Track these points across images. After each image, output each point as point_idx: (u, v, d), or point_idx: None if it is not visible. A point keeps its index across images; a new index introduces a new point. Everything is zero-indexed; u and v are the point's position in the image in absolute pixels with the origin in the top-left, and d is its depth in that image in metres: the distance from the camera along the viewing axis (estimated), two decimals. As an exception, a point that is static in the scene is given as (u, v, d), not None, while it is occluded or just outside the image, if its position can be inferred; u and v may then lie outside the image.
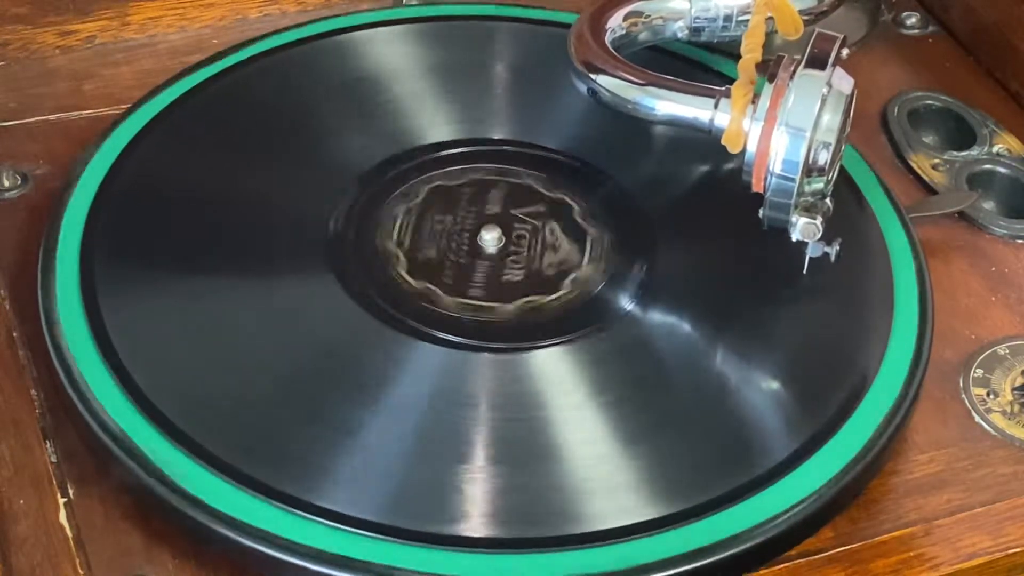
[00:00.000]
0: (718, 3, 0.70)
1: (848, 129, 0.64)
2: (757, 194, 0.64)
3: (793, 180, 0.62)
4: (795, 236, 0.64)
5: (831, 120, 0.62)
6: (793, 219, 0.63)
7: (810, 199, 0.63)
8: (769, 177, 0.62)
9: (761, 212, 0.64)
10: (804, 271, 0.65)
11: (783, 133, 0.62)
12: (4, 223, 0.70)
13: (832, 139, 0.62)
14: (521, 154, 0.73)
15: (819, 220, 0.63)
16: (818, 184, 0.63)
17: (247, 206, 0.69)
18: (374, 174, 0.71)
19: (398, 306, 0.65)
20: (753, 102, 0.63)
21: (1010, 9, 0.81)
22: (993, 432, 0.65)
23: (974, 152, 0.77)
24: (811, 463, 0.60)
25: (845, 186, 0.70)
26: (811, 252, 0.65)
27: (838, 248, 0.64)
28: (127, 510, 0.59)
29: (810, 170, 0.62)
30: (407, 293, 0.66)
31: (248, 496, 0.57)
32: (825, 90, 0.62)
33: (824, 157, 0.62)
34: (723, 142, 0.64)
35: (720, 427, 0.62)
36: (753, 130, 0.63)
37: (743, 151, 0.63)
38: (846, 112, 0.63)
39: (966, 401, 0.66)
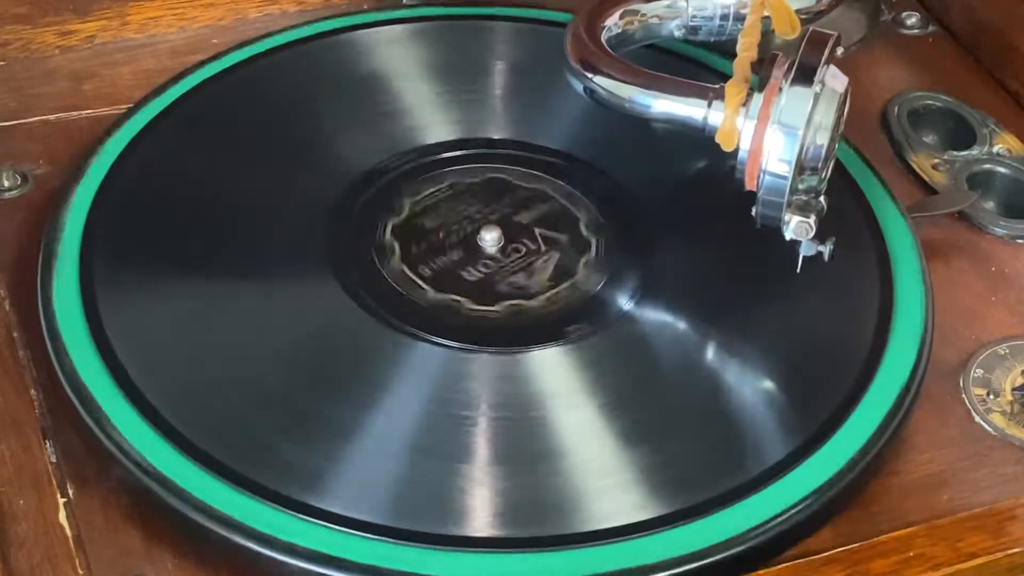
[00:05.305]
0: (715, 2, 0.70)
1: (842, 127, 0.64)
2: (752, 192, 0.64)
3: (786, 178, 0.62)
4: (788, 235, 0.64)
5: (824, 118, 0.62)
6: (786, 218, 0.63)
7: (804, 197, 0.63)
8: (762, 175, 0.62)
9: (754, 210, 0.64)
10: (798, 270, 0.65)
11: (776, 131, 0.62)
12: (4, 223, 0.70)
13: (825, 138, 0.62)
14: (520, 154, 0.73)
15: (812, 219, 0.63)
16: (812, 182, 0.63)
17: (246, 206, 0.69)
18: (373, 174, 0.71)
19: (397, 307, 0.65)
20: (746, 101, 0.63)
21: (1010, 9, 0.81)
22: (993, 432, 0.65)
23: (974, 152, 0.77)
24: (811, 463, 0.60)
25: (845, 186, 0.70)
26: (804, 251, 0.64)
27: (831, 247, 0.64)
28: (127, 510, 0.60)
29: (803, 168, 0.62)
30: (406, 294, 0.66)
31: (247, 497, 0.58)
32: (818, 88, 0.62)
33: (817, 155, 0.62)
34: (716, 140, 0.64)
35: (720, 427, 0.62)
36: (746, 128, 0.63)
37: (736, 149, 0.63)
38: (839, 110, 0.63)
39: (966, 401, 0.66)
